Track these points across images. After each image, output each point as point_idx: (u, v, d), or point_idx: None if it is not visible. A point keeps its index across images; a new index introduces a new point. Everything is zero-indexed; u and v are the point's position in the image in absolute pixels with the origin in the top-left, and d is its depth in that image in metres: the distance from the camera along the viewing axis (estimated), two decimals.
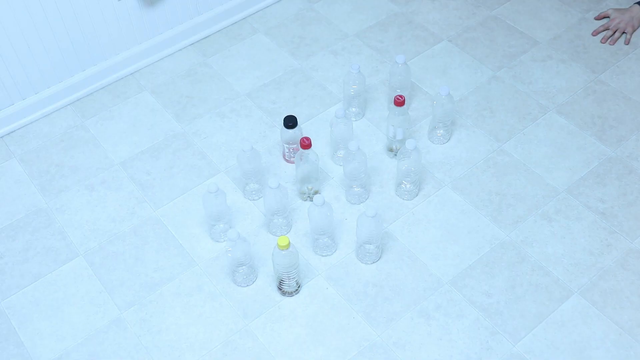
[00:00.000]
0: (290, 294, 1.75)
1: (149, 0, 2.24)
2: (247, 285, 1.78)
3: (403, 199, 1.94)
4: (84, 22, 2.14)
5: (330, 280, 1.79)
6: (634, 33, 2.34)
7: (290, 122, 1.90)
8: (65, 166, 2.08)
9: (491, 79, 2.24)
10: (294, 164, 2.00)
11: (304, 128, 2.12)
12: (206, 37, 2.44)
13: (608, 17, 2.39)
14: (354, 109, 2.13)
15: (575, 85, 2.20)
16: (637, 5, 2.35)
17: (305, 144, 1.80)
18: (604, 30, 2.36)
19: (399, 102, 1.89)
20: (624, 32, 2.34)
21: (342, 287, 1.77)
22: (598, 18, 2.40)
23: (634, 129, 2.08)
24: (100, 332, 1.72)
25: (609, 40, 2.33)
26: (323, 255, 1.83)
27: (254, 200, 1.96)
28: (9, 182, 2.05)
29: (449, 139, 2.08)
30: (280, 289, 1.76)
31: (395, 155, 2.02)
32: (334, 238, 1.84)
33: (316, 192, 1.94)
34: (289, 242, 1.61)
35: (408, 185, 1.92)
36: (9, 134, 2.18)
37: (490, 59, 2.30)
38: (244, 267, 1.75)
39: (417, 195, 1.94)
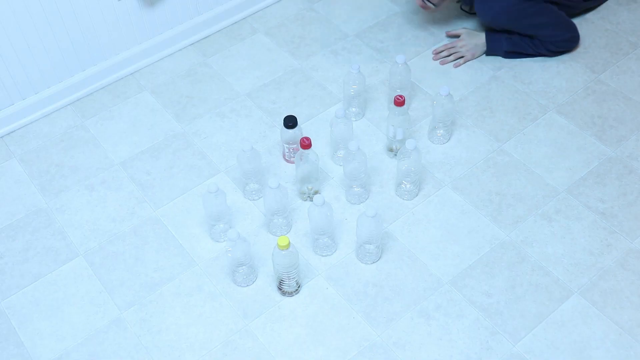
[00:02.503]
0: (290, 294, 1.75)
1: (149, 0, 2.24)
2: (247, 285, 1.78)
3: (403, 199, 1.94)
4: (84, 22, 2.14)
5: (330, 280, 1.79)
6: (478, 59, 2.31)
7: (290, 122, 1.90)
8: (65, 166, 2.08)
9: (491, 79, 2.24)
10: (294, 164, 2.00)
11: (304, 128, 2.12)
12: (206, 37, 2.44)
13: (458, 36, 2.33)
14: (354, 109, 2.13)
15: (575, 85, 2.20)
16: (485, 34, 2.29)
17: (305, 144, 1.80)
18: (444, 50, 2.31)
19: (399, 102, 1.90)
20: (461, 57, 2.29)
21: (342, 287, 1.77)
22: (449, 35, 2.37)
23: (634, 129, 2.08)
24: (100, 332, 1.72)
25: (441, 60, 2.30)
26: (323, 255, 1.83)
27: (254, 200, 1.96)
28: (9, 182, 2.05)
29: (449, 139, 2.08)
30: (280, 289, 1.76)
31: (395, 155, 2.02)
32: (334, 238, 1.84)
33: (316, 192, 1.94)
34: (289, 242, 1.61)
35: (408, 185, 1.92)
36: (9, 134, 2.18)
37: (490, 58, 2.30)
38: (244, 267, 1.75)
39: (417, 195, 1.94)
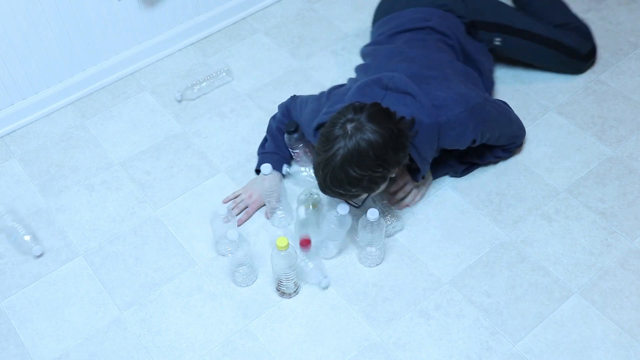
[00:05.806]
0: (289, 295, 1.75)
1: (149, 0, 2.24)
2: (247, 285, 1.78)
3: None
4: (84, 22, 2.14)
5: (331, 281, 1.78)
6: None
7: (292, 127, 1.90)
8: (65, 166, 2.08)
9: None
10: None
11: None
12: (206, 37, 2.44)
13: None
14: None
15: (575, 85, 2.20)
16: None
17: (305, 245, 1.72)
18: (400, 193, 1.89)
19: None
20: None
21: (342, 287, 1.77)
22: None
23: (634, 129, 2.08)
24: (100, 332, 1.72)
25: (397, 204, 1.89)
26: (324, 259, 1.83)
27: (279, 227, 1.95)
28: (9, 182, 2.05)
29: None
30: (279, 290, 1.75)
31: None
32: (340, 246, 1.81)
33: (315, 205, 1.87)
34: (288, 243, 1.61)
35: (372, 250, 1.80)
36: (9, 134, 2.18)
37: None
38: (244, 267, 1.75)
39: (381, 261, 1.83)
